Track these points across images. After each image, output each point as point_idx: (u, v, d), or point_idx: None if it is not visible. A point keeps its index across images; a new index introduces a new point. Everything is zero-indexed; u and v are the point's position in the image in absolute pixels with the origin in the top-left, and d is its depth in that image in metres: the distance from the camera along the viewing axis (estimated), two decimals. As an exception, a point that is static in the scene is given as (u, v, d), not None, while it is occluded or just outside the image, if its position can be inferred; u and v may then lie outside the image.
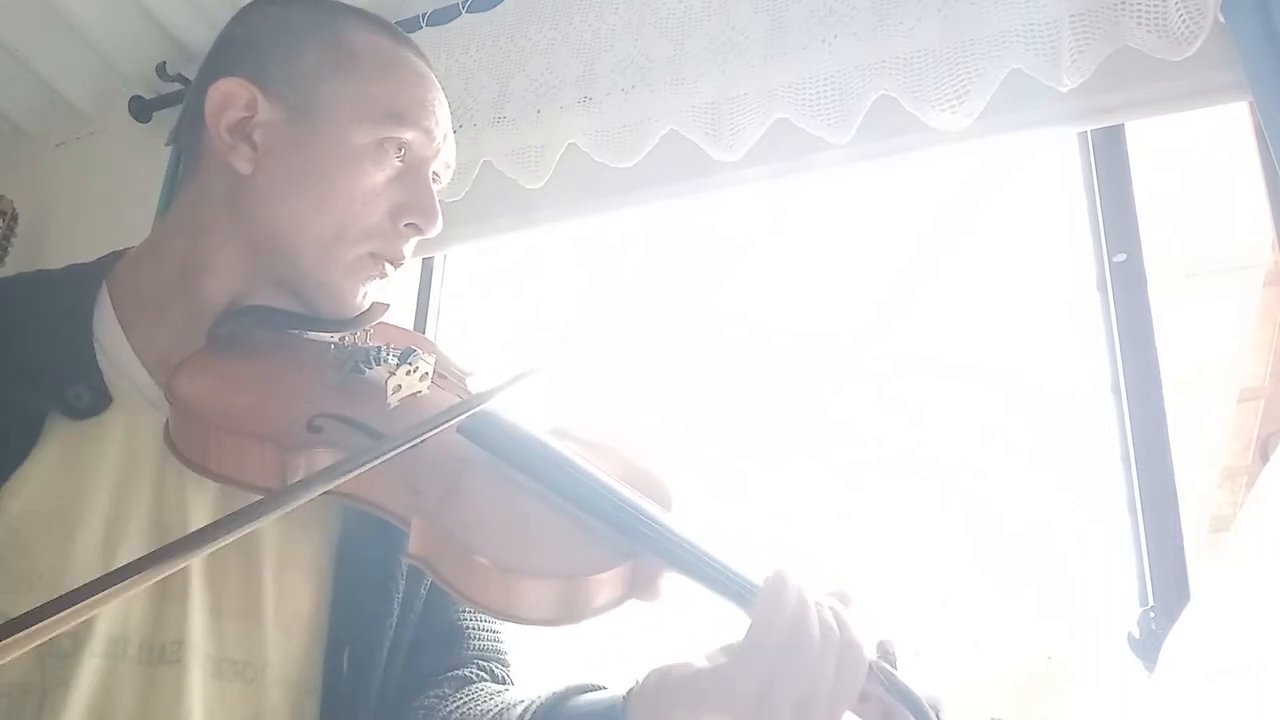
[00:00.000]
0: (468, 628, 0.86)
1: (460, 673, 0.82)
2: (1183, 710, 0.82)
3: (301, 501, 0.59)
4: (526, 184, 1.43)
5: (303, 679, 0.77)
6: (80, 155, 1.83)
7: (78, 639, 0.68)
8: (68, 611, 0.46)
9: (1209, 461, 2.19)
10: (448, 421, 0.68)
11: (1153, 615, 1.07)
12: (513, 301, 2.04)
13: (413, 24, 1.56)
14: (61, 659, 0.68)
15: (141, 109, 1.74)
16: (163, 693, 0.69)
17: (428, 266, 1.69)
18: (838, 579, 0.70)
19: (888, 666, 0.67)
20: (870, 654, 0.66)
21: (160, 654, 0.70)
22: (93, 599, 0.47)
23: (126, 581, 0.48)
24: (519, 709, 0.74)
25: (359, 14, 0.87)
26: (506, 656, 0.88)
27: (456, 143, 1.56)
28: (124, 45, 1.71)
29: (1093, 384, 1.21)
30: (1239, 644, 0.78)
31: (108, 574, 0.47)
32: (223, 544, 0.54)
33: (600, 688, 0.73)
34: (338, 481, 0.61)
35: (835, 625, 0.64)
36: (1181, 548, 1.08)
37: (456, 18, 1.53)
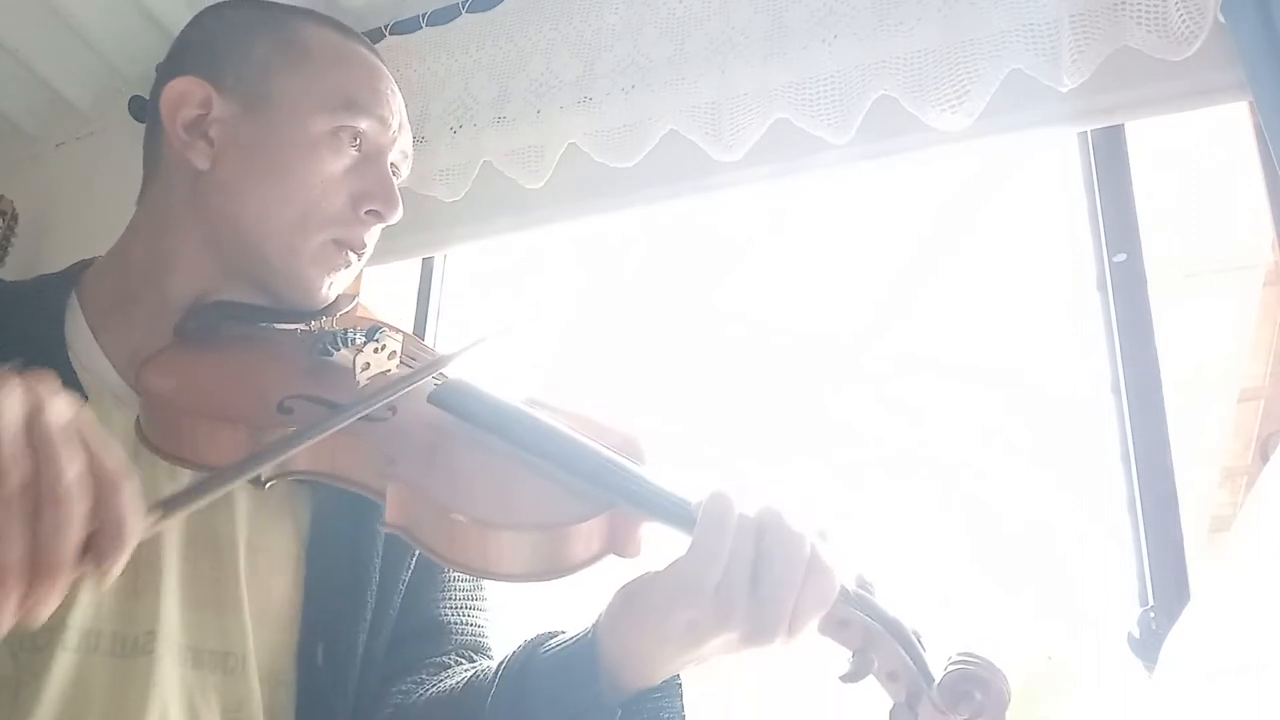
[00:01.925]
0: (450, 622, 0.86)
1: (439, 659, 0.83)
2: (1183, 710, 0.82)
3: (276, 460, 0.61)
4: (526, 184, 1.43)
5: (277, 671, 0.77)
6: (80, 155, 1.83)
7: (50, 633, 0.68)
8: None
9: (1209, 461, 2.19)
10: (412, 383, 0.71)
11: (1153, 615, 1.06)
12: (513, 301, 2.04)
13: (413, 24, 1.55)
14: (34, 653, 0.68)
15: (141, 109, 1.73)
16: (135, 683, 0.70)
17: (428, 266, 1.68)
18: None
19: (865, 593, 0.68)
20: (843, 573, 0.67)
21: (133, 646, 0.71)
22: None
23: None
24: (493, 668, 0.74)
25: (309, 12, 0.89)
26: (491, 650, 0.88)
27: (457, 143, 1.55)
28: (124, 45, 1.71)
29: (1093, 384, 1.21)
30: (1239, 644, 0.78)
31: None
32: (196, 507, 0.55)
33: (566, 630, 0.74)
34: (308, 442, 0.63)
35: (782, 519, 0.66)
36: (1181, 548, 1.08)
37: (456, 18, 1.53)
